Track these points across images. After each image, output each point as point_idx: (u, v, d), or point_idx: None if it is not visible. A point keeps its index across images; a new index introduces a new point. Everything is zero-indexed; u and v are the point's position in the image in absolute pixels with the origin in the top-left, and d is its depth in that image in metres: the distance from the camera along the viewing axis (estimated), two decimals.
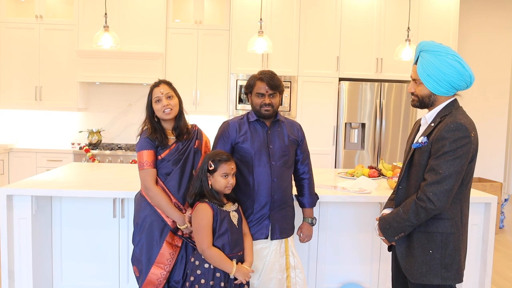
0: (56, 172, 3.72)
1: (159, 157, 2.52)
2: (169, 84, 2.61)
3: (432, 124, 2.12)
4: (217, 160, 2.37)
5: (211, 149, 2.74)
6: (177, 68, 5.87)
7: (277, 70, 2.62)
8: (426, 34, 5.75)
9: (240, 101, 5.70)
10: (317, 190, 2.87)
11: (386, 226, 2.17)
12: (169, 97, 2.56)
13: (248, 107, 5.60)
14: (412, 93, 2.20)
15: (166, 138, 2.56)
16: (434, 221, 2.06)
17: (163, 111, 2.54)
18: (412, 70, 2.20)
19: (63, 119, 6.20)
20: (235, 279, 2.33)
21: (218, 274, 2.31)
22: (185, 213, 2.49)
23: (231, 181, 2.38)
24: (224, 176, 2.36)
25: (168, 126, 2.61)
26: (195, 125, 2.73)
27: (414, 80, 2.18)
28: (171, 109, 2.55)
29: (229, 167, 2.38)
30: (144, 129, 2.59)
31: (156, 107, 2.54)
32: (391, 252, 2.34)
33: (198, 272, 2.33)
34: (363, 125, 5.70)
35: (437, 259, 2.05)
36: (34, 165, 5.63)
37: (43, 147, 5.85)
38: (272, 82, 2.55)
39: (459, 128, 1.99)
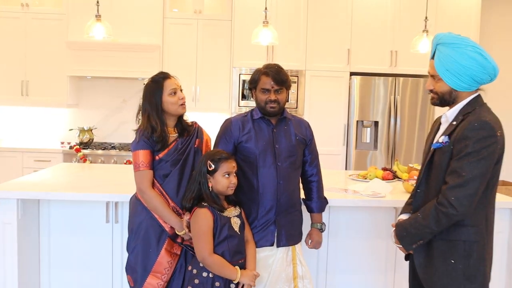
0: (44, 173, 3.72)
1: (157, 158, 2.51)
2: (175, 78, 2.62)
3: (454, 123, 2.10)
4: (216, 159, 2.37)
5: (211, 148, 2.73)
6: (175, 61, 5.86)
7: (283, 64, 2.61)
8: (445, 23, 5.73)
9: (243, 97, 5.69)
10: (326, 194, 2.86)
11: (403, 233, 2.15)
12: (181, 90, 2.58)
13: (252, 104, 5.59)
14: (431, 90, 2.18)
15: (168, 137, 2.55)
16: (456, 228, 2.04)
17: (179, 104, 2.53)
18: (429, 65, 2.18)
19: (51, 116, 6.21)
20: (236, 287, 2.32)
21: (217, 284, 2.30)
22: (183, 218, 2.47)
23: (234, 180, 2.38)
24: (226, 175, 2.36)
25: (170, 123, 2.59)
26: (195, 123, 2.73)
27: (432, 76, 2.16)
28: (185, 104, 2.57)
29: (230, 165, 2.38)
30: (143, 127, 2.53)
31: (171, 100, 2.51)
32: (408, 261, 2.33)
33: (196, 281, 2.32)
34: (376, 123, 5.69)
35: (459, 270, 2.03)
36: (20, 165, 5.63)
37: (30, 146, 5.85)
38: (279, 77, 2.54)
39: (484, 127, 1.97)
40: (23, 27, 5.79)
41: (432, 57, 2.16)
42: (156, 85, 2.53)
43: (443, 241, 2.07)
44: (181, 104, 2.54)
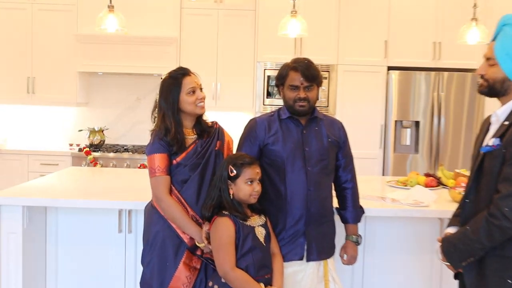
0: (51, 178, 3.78)
1: (174, 162, 2.53)
2: (196, 75, 2.63)
3: (506, 123, 2.05)
4: (239, 164, 2.37)
5: (234, 151, 2.73)
6: (194, 55, 5.89)
7: (313, 58, 2.60)
8: (497, 11, 5.62)
9: (269, 95, 5.69)
10: (362, 202, 2.84)
11: (451, 249, 2.11)
12: (201, 88, 2.60)
13: (278, 102, 5.59)
14: (482, 76, 2.13)
15: (185, 140, 2.56)
16: None
17: (197, 104, 2.55)
18: (488, 47, 2.12)
19: (59, 115, 6.32)
20: None
21: None
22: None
23: (257, 187, 2.38)
24: (249, 182, 2.37)
25: (188, 124, 2.61)
26: (216, 123, 2.74)
27: (487, 59, 2.10)
28: (204, 103, 2.59)
29: (253, 171, 2.38)
30: (158, 128, 2.57)
31: (189, 99, 2.54)
32: (457, 280, 2.28)
33: None
34: (417, 123, 5.64)
35: None
36: (26, 169, 5.73)
37: (36, 148, 5.95)
38: (309, 72, 2.54)
39: None
40: (29, 19, 5.90)
41: (494, 39, 2.10)
42: (174, 82, 2.55)
43: (497, 258, 2.02)
44: (200, 104, 2.56)
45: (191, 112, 2.56)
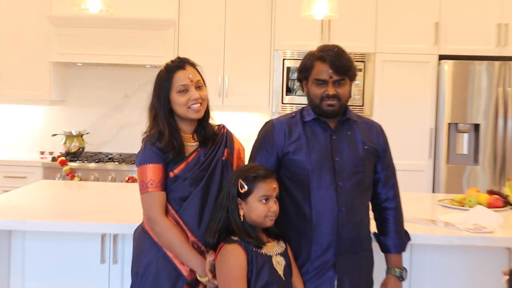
0: (17, 194, 3.80)
1: (171, 174, 2.53)
2: (195, 66, 2.64)
3: None
4: (251, 178, 2.38)
5: (245, 161, 2.74)
6: (195, 42, 5.91)
7: (344, 45, 2.59)
8: None
9: (289, 91, 5.68)
10: (407, 226, 2.83)
11: None
12: (199, 86, 2.59)
13: (300, 100, 5.60)
14: None
15: (183, 147, 2.58)
16: None
17: (190, 107, 2.56)
18: None
19: (28, 116, 6.37)
20: None
21: None
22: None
23: (274, 207, 2.38)
24: (264, 200, 2.37)
25: (187, 128, 2.63)
26: (223, 126, 2.75)
27: None
28: (201, 104, 2.57)
29: (269, 187, 2.38)
30: (150, 132, 2.60)
31: (180, 100, 2.55)
32: None
33: None
34: (476, 127, 5.62)
35: None
36: None
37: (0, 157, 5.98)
38: (339, 63, 2.54)
39: None
40: None
41: None
42: (166, 77, 2.58)
43: None
44: (194, 107, 2.56)
45: (183, 115, 2.58)
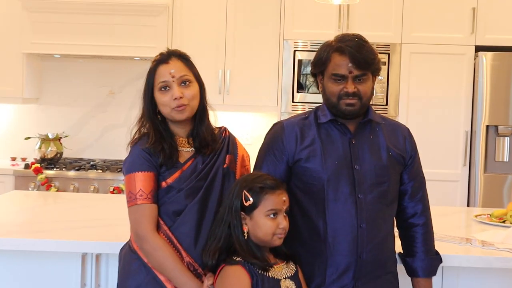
0: None
1: (164, 184, 2.54)
2: (184, 58, 2.64)
3: None
4: (257, 189, 2.38)
5: (250, 170, 2.74)
6: (192, 31, 5.91)
7: (365, 34, 2.59)
8: None
9: (301, 87, 5.69)
10: (438, 246, 2.83)
11: None
12: (184, 82, 2.58)
13: (313, 99, 5.61)
14: None
15: (177, 152, 2.58)
16: None
17: (173, 108, 2.56)
18: None
19: None
20: None
21: None
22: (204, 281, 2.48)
23: (283, 223, 2.38)
24: (272, 215, 2.37)
25: (180, 131, 2.64)
26: (225, 129, 2.75)
27: None
28: (186, 105, 2.56)
29: (278, 199, 2.38)
30: (137, 136, 2.62)
31: (162, 98, 2.57)
32: None
33: None
34: None
35: None
36: None
37: None
38: (361, 56, 2.53)
39: None
40: None
41: None
42: (149, 73, 2.61)
43: None
44: (174, 108, 2.56)
45: (168, 117, 2.59)
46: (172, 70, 2.56)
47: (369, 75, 2.58)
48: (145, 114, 2.61)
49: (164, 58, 2.60)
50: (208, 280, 2.42)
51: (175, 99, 2.54)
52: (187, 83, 2.59)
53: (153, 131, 2.57)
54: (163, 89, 2.56)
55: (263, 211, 2.36)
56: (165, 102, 2.55)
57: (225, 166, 2.63)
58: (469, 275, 3.22)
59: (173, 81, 2.56)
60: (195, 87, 2.60)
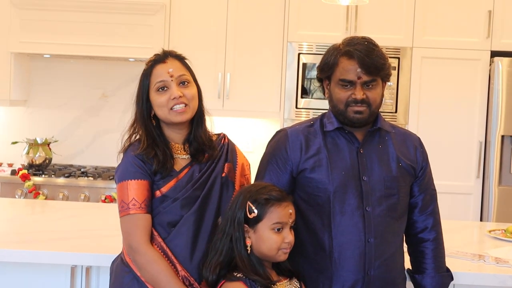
0: None
1: (158, 193, 2.54)
2: (181, 59, 2.64)
3: None
4: (262, 200, 2.37)
5: (251, 179, 2.73)
6: (190, 31, 5.91)
7: (374, 37, 2.59)
8: None
9: (305, 92, 5.68)
10: (449, 263, 2.82)
11: None
12: (183, 82, 2.58)
13: (319, 105, 5.61)
14: None
15: (171, 159, 2.57)
16: None
17: (171, 108, 2.55)
18: None
19: None
20: None
21: None
22: None
23: (289, 237, 2.38)
24: (276, 230, 2.36)
25: (176, 136, 2.63)
26: (224, 136, 2.75)
27: None
28: (186, 105, 2.56)
29: (285, 212, 2.38)
30: (131, 141, 2.61)
31: (159, 99, 2.56)
32: None
33: None
34: None
35: None
36: None
37: None
38: (370, 61, 2.54)
39: None
40: None
41: None
42: (145, 73, 2.61)
43: None
44: (176, 108, 2.55)
45: (165, 119, 2.59)
46: (170, 69, 2.57)
47: (378, 81, 2.58)
48: (138, 119, 2.60)
49: (161, 57, 2.61)
50: None
51: (174, 98, 2.53)
52: (186, 83, 2.59)
53: (145, 136, 2.57)
54: (160, 90, 2.56)
55: (268, 224, 2.36)
56: (162, 103, 2.55)
57: (223, 175, 2.63)
58: None
59: (172, 80, 2.56)
60: (194, 88, 2.61)
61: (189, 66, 2.65)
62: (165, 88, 2.55)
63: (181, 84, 2.57)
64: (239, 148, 2.78)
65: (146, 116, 2.60)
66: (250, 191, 2.43)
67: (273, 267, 2.43)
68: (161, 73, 2.56)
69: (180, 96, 2.54)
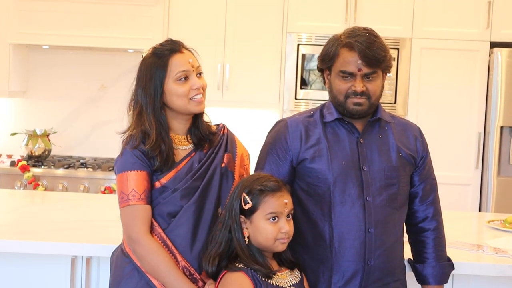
0: None
1: (158, 184, 2.53)
2: (192, 52, 2.63)
3: None
4: (256, 191, 2.37)
5: (250, 169, 2.74)
6: (190, 22, 5.90)
7: (374, 28, 2.60)
8: None
9: (304, 83, 5.68)
10: (450, 252, 2.83)
11: None
12: (200, 74, 2.60)
13: (318, 96, 5.62)
14: None
15: (172, 154, 2.57)
16: None
17: (192, 98, 2.55)
18: None
19: None
20: None
21: None
22: (201, 287, 2.48)
23: (285, 227, 2.37)
24: (272, 220, 2.36)
25: (180, 128, 2.63)
26: (224, 126, 2.75)
27: None
28: (203, 97, 2.58)
29: (279, 202, 2.37)
30: (132, 132, 2.59)
31: (180, 89, 2.54)
32: None
33: None
34: None
35: None
36: None
37: None
38: (371, 52, 2.53)
39: None
40: None
41: None
42: (158, 63, 2.56)
43: None
44: (196, 98, 2.56)
45: (182, 109, 2.57)
46: (190, 60, 2.56)
47: (379, 73, 2.59)
48: (148, 111, 2.55)
49: (176, 47, 2.58)
50: (209, 287, 2.42)
51: (196, 88, 2.54)
52: (201, 74, 2.61)
53: (155, 130, 2.53)
54: (182, 80, 2.54)
55: (263, 215, 2.35)
56: (184, 92, 2.53)
57: (223, 165, 2.62)
58: (481, 283, 3.23)
59: (193, 70, 2.56)
60: (205, 81, 2.62)
61: (198, 59, 2.65)
62: (186, 78, 2.54)
63: (198, 75, 2.58)
64: (239, 138, 2.78)
65: (159, 107, 2.56)
66: (247, 181, 2.43)
67: (275, 257, 2.43)
68: (182, 63, 2.54)
69: (201, 87, 2.55)
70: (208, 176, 2.57)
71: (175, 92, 2.54)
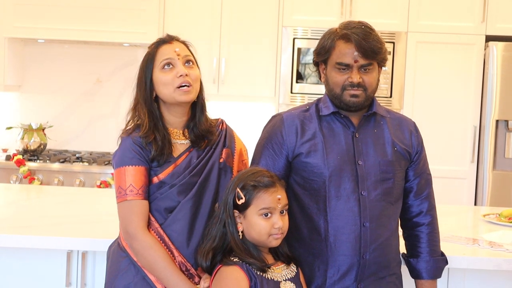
0: None
1: (156, 179, 2.54)
2: (186, 44, 2.63)
3: None
4: (249, 187, 2.37)
5: (248, 165, 2.74)
6: (185, 15, 5.89)
7: (368, 22, 2.60)
8: None
9: (300, 77, 5.68)
10: (444, 247, 2.83)
11: None
12: (188, 62, 2.58)
13: (314, 90, 5.63)
14: None
15: (170, 145, 2.57)
16: None
17: (177, 87, 2.53)
18: None
19: None
20: None
21: None
22: (198, 282, 2.48)
23: (278, 223, 2.37)
24: (264, 215, 2.36)
25: (176, 121, 2.63)
26: (222, 121, 2.75)
27: None
28: (191, 86, 2.55)
29: (272, 197, 2.37)
30: (129, 125, 2.60)
31: (164, 77, 2.54)
32: None
33: None
34: None
35: None
36: None
37: None
38: (367, 44, 2.53)
39: None
40: None
41: None
42: (148, 56, 2.59)
43: None
44: (181, 86, 2.53)
45: (169, 99, 2.56)
46: (177, 49, 2.56)
47: (375, 65, 2.59)
48: (141, 101, 2.57)
49: (167, 39, 2.60)
50: (204, 282, 2.42)
51: (180, 76, 2.52)
52: (191, 63, 2.59)
53: (147, 119, 2.54)
54: (166, 67, 2.54)
55: (255, 210, 2.36)
56: (167, 80, 2.53)
57: (221, 160, 2.63)
58: (476, 277, 3.23)
59: (178, 58, 2.55)
60: (197, 70, 2.61)
61: (193, 52, 2.64)
62: (171, 66, 2.54)
63: (186, 64, 2.56)
64: (237, 133, 2.78)
65: (149, 98, 2.57)
66: (242, 175, 2.43)
67: (271, 252, 2.44)
68: (167, 52, 2.55)
69: (186, 74, 2.52)
70: (206, 172, 2.57)
71: (160, 80, 2.54)
